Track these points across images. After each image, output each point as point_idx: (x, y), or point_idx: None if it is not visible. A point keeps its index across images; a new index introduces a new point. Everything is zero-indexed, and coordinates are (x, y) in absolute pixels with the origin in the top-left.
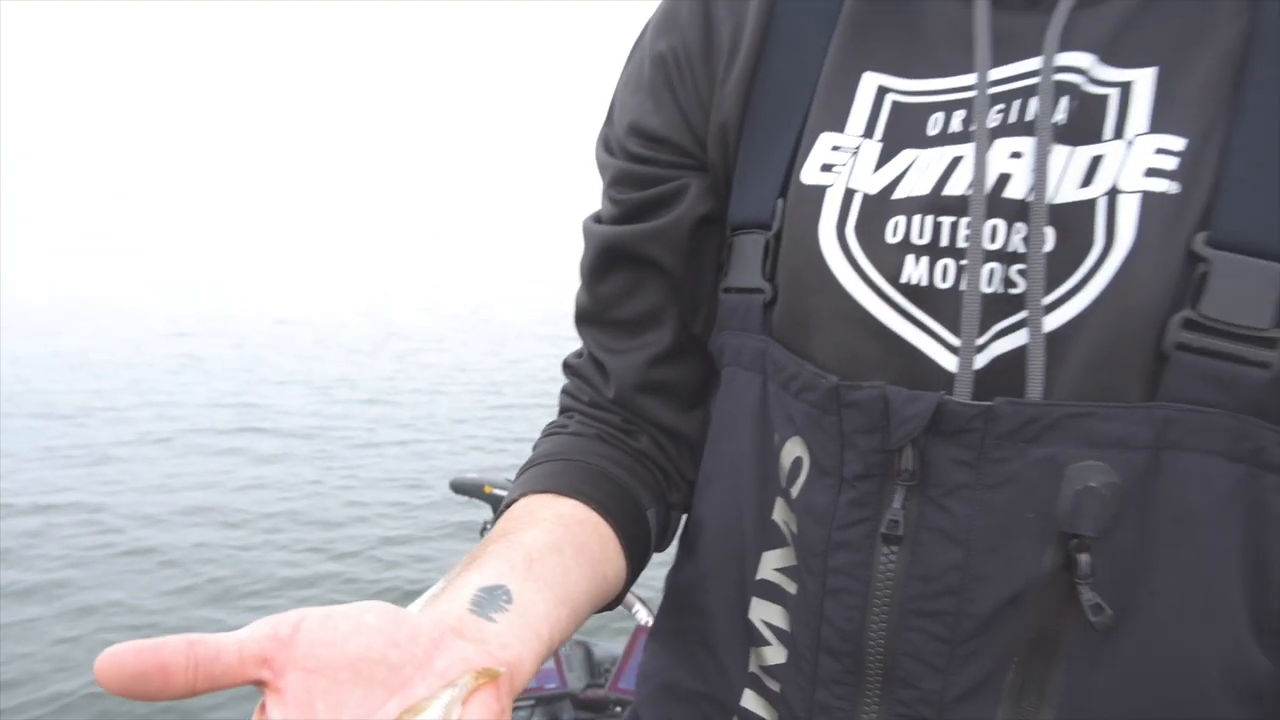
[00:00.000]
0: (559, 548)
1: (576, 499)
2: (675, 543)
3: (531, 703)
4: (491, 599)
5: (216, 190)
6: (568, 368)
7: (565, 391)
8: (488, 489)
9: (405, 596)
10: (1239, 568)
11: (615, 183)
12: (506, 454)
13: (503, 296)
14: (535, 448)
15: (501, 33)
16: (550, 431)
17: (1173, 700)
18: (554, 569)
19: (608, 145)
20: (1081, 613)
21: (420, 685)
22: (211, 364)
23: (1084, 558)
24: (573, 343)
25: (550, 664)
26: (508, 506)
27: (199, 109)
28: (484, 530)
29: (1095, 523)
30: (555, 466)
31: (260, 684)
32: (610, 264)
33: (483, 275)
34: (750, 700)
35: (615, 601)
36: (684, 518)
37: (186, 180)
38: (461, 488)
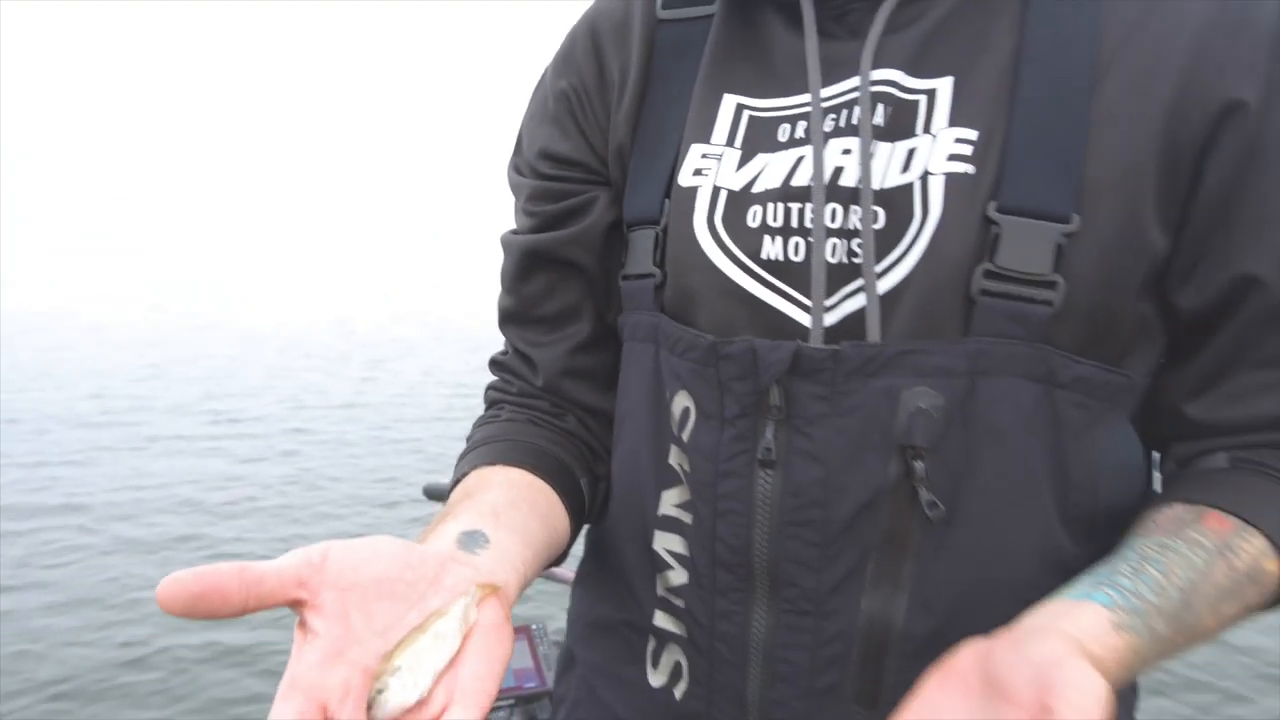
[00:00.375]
0: (517, 504)
1: (522, 468)
2: None
3: (511, 702)
4: (473, 540)
5: (213, 191)
6: (495, 364)
7: (493, 387)
8: None
9: None
10: (1045, 467)
11: (532, 199)
12: None
13: (487, 302)
14: (470, 437)
15: (496, 35)
16: (484, 421)
17: (999, 578)
18: (516, 520)
19: (519, 170)
20: (922, 511)
21: (434, 599)
22: (183, 371)
23: (919, 465)
24: None
25: (529, 663)
26: (459, 479)
27: (197, 109)
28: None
29: (927, 436)
30: (498, 446)
31: (297, 603)
32: (532, 267)
33: (471, 278)
34: (661, 619)
35: (561, 557)
36: None
37: (184, 181)
38: (435, 494)
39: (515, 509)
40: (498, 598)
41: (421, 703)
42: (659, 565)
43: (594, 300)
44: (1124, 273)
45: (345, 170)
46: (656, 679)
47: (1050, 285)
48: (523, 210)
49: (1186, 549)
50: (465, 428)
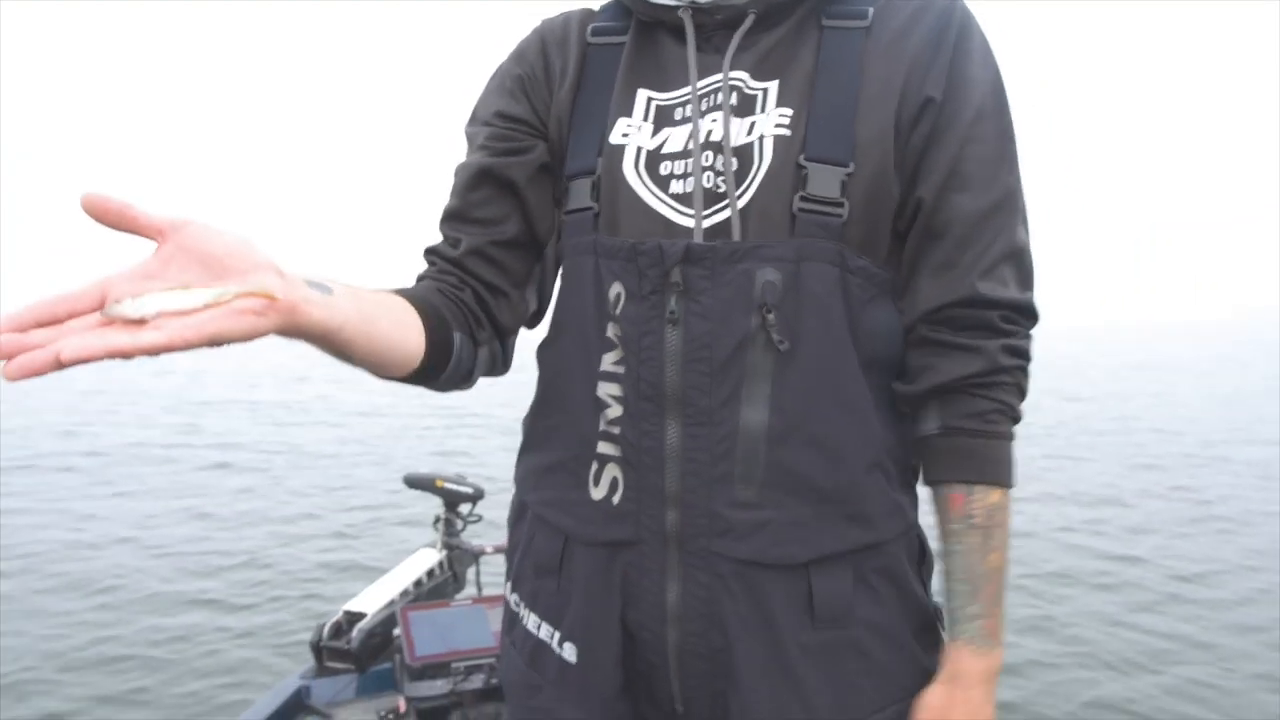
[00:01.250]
0: (377, 299)
1: (400, 297)
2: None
3: (492, 660)
4: (316, 285)
5: (212, 191)
6: (427, 250)
7: (423, 269)
8: (439, 483)
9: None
10: (845, 324)
11: (487, 139)
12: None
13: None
14: None
15: (495, 38)
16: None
17: (825, 394)
18: (368, 302)
19: (474, 124)
20: (775, 347)
21: (231, 283)
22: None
23: (770, 316)
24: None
25: None
26: None
27: (197, 110)
28: (436, 521)
29: (772, 298)
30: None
31: (154, 240)
32: (481, 180)
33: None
34: (603, 446)
35: (415, 378)
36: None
37: (183, 182)
38: (414, 482)
39: (373, 298)
40: (274, 308)
41: (138, 321)
42: (601, 406)
43: (520, 215)
44: (879, 204)
45: (344, 169)
46: (598, 493)
47: (839, 205)
48: (478, 148)
49: (955, 545)
50: (438, 440)
